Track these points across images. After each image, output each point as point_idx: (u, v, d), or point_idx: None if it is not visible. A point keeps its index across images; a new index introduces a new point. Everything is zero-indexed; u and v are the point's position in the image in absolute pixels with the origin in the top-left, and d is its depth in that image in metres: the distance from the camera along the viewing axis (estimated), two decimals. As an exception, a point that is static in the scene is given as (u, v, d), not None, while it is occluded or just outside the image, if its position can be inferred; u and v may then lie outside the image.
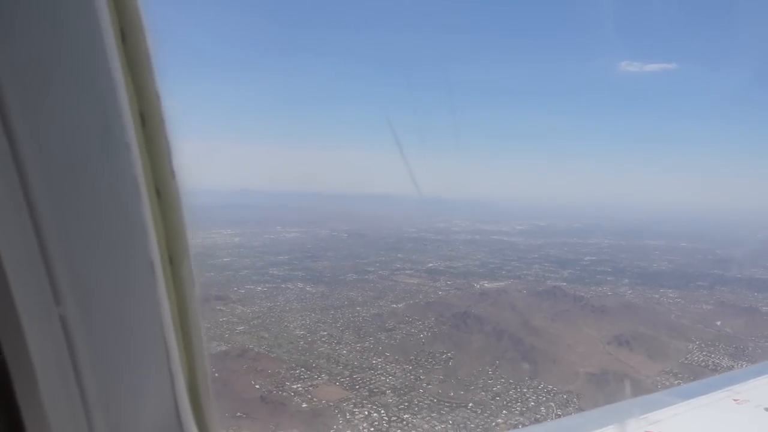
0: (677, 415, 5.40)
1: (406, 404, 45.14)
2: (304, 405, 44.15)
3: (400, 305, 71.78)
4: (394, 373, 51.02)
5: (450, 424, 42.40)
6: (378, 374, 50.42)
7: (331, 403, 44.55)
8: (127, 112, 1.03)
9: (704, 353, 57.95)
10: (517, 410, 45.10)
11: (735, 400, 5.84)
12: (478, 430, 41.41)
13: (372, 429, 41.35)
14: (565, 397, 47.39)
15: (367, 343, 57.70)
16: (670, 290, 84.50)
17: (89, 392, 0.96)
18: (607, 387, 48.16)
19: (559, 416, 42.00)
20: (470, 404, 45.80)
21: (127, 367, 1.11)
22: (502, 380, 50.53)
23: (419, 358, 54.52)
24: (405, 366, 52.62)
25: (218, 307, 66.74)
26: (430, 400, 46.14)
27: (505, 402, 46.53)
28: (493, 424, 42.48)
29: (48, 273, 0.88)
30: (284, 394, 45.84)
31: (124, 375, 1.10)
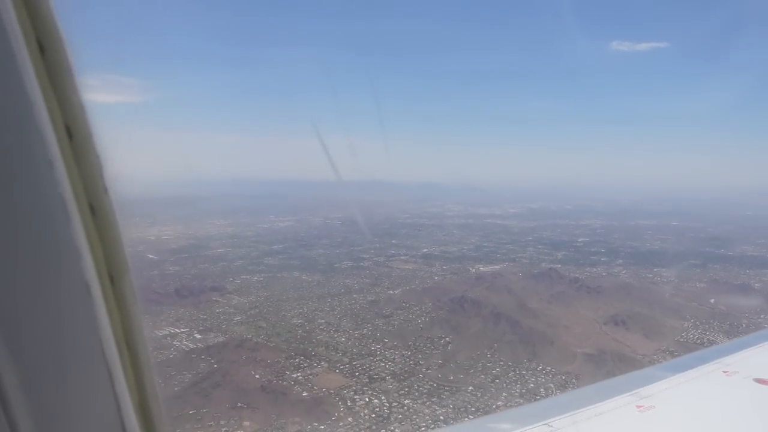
0: (668, 389, 5.41)
1: (407, 390, 45.33)
2: (304, 393, 44.18)
3: (396, 291, 71.88)
4: (394, 359, 51.16)
5: (451, 408, 42.64)
6: (377, 361, 50.55)
7: (332, 391, 44.62)
8: (48, 127, 0.98)
9: (699, 331, 58.60)
10: (516, 392, 45.45)
11: (724, 372, 5.87)
12: (479, 413, 41.64)
13: (373, 415, 41.48)
14: (563, 377, 47.79)
15: (365, 330, 57.78)
16: (663, 269, 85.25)
17: (21, 424, 0.93)
18: (604, 367, 48.61)
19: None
20: (470, 388, 46.07)
21: (65, 393, 1.07)
22: (501, 363, 50.85)
23: (418, 344, 54.69)
24: (404, 352, 52.79)
25: (214, 298, 66.50)
26: (430, 385, 46.35)
27: (504, 384, 46.87)
28: (494, 406, 42.77)
29: None
30: (284, 383, 45.83)
31: (61, 402, 1.06)
